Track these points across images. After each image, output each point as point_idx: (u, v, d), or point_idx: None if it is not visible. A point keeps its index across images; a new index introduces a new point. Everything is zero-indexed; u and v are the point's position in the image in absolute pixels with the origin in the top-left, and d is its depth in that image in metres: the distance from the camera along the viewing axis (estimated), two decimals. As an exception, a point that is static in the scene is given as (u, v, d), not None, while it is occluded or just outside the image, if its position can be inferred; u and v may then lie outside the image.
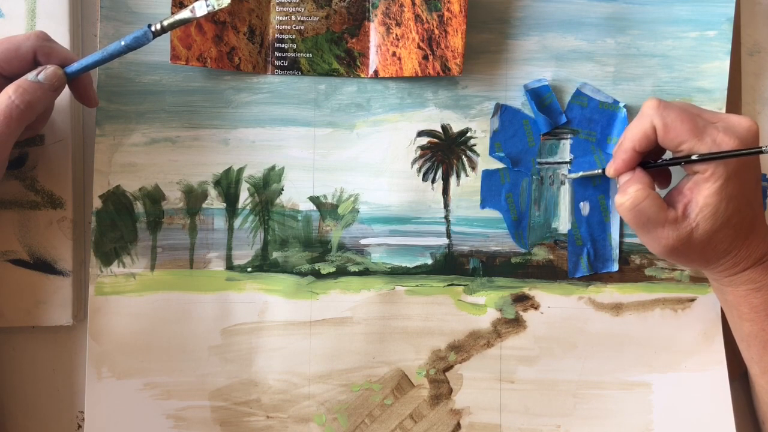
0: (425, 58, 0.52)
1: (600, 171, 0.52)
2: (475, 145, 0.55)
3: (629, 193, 0.47)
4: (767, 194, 0.55)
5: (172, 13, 0.48)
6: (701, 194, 0.46)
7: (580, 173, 0.54)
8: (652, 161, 0.49)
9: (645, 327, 0.55)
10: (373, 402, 0.54)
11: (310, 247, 0.54)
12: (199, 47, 0.52)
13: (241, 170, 0.54)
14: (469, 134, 0.55)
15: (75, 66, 0.47)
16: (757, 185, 0.48)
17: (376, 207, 0.54)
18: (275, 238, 0.54)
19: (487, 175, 0.55)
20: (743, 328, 0.50)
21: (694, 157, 0.45)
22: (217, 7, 0.46)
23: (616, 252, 0.55)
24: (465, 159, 0.55)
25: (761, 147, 0.44)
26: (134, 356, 0.53)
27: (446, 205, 0.55)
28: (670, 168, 0.50)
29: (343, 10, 0.53)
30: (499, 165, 0.55)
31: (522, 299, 0.55)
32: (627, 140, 0.48)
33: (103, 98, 0.53)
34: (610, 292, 0.55)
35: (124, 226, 0.53)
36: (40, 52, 0.47)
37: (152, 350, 0.53)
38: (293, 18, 0.53)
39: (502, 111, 0.54)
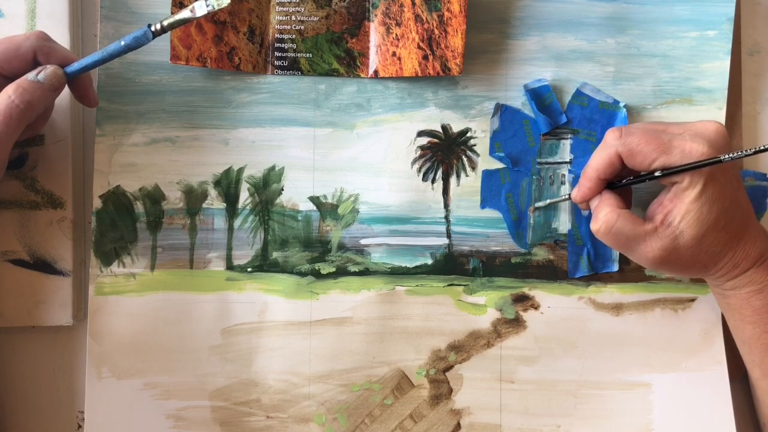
0: (425, 58, 0.52)
1: (567, 196, 0.52)
2: (475, 145, 0.55)
3: (600, 218, 0.47)
4: (767, 194, 0.55)
5: (172, 13, 0.48)
6: (683, 202, 0.46)
7: (548, 201, 0.54)
8: (618, 181, 0.49)
9: (645, 327, 0.54)
10: (373, 402, 0.54)
11: (310, 247, 0.54)
12: (199, 47, 0.52)
13: (241, 170, 0.54)
14: (469, 134, 0.55)
15: (75, 66, 0.47)
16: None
17: (376, 207, 0.54)
18: (275, 238, 0.54)
19: (487, 175, 0.55)
20: (745, 331, 0.50)
21: (657, 173, 0.46)
22: (217, 7, 0.46)
23: (616, 252, 0.55)
24: (465, 159, 0.55)
25: (720, 157, 0.44)
26: (134, 356, 0.53)
27: (446, 205, 0.54)
28: (653, 185, 0.50)
29: (343, 10, 0.53)
30: (499, 165, 0.55)
31: (522, 299, 0.55)
32: (591, 169, 0.48)
33: (103, 98, 0.53)
34: (610, 292, 0.55)
35: (124, 226, 0.53)
36: (40, 52, 0.47)
37: (152, 350, 0.53)
38: (293, 18, 0.53)
39: (502, 111, 0.54)
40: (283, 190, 0.54)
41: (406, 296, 0.54)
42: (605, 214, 0.47)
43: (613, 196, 0.48)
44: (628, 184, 0.49)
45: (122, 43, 0.47)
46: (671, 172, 0.46)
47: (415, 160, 0.54)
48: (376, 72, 0.53)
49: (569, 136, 0.55)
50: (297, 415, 0.54)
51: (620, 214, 0.47)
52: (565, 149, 0.55)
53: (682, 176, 0.46)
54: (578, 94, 0.54)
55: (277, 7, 0.53)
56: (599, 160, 0.48)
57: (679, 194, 0.46)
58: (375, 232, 0.54)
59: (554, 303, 0.55)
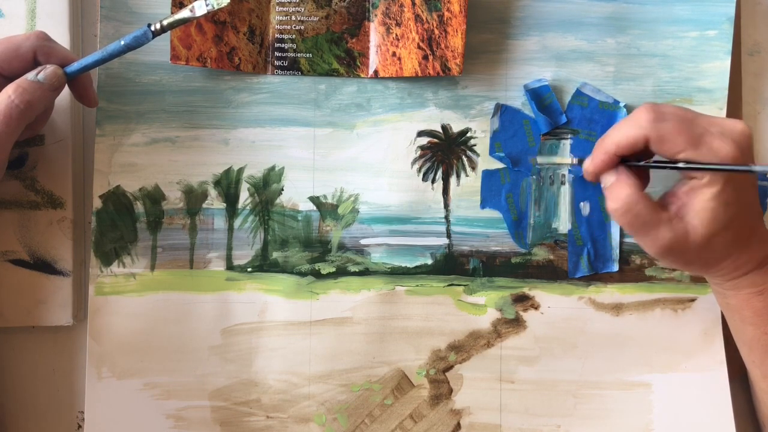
0: (425, 58, 0.52)
1: (575, 160, 0.51)
2: (475, 145, 0.55)
3: (621, 199, 0.46)
4: (767, 194, 0.55)
5: (172, 13, 0.48)
6: (698, 199, 0.45)
7: (552, 159, 0.53)
8: (634, 161, 0.47)
9: (645, 327, 0.54)
10: (373, 402, 0.54)
11: (310, 247, 0.54)
12: (199, 47, 0.52)
13: (241, 170, 0.54)
14: (469, 134, 0.55)
15: (75, 66, 0.47)
16: (754, 188, 0.48)
17: (376, 207, 0.54)
18: (275, 238, 0.54)
19: (487, 175, 0.55)
20: (745, 332, 0.50)
21: (680, 165, 0.45)
22: (216, 7, 0.46)
23: (616, 252, 0.55)
24: (465, 159, 0.55)
25: (750, 166, 0.43)
26: (134, 356, 0.53)
27: (446, 205, 0.54)
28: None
29: (343, 10, 0.53)
30: (499, 165, 0.55)
31: (522, 299, 0.55)
32: (611, 143, 0.46)
33: (103, 98, 0.53)
34: (610, 292, 0.55)
35: (124, 226, 0.53)
36: (40, 52, 0.47)
37: (152, 350, 0.53)
38: (293, 18, 0.53)
39: (502, 111, 0.54)
40: (283, 190, 0.54)
41: (406, 296, 0.54)
42: (627, 195, 0.45)
43: (631, 177, 0.46)
44: (647, 167, 0.47)
45: (122, 42, 0.47)
46: (698, 168, 0.44)
47: (415, 160, 0.54)
48: (376, 72, 0.53)
49: (569, 136, 0.55)
50: (297, 415, 0.54)
51: (641, 198, 0.45)
52: (565, 149, 0.55)
53: (703, 173, 0.45)
54: (578, 94, 0.54)
55: (277, 7, 0.53)
56: (623, 136, 0.46)
57: (696, 189, 0.45)
58: (375, 232, 0.54)
59: (554, 303, 0.55)
